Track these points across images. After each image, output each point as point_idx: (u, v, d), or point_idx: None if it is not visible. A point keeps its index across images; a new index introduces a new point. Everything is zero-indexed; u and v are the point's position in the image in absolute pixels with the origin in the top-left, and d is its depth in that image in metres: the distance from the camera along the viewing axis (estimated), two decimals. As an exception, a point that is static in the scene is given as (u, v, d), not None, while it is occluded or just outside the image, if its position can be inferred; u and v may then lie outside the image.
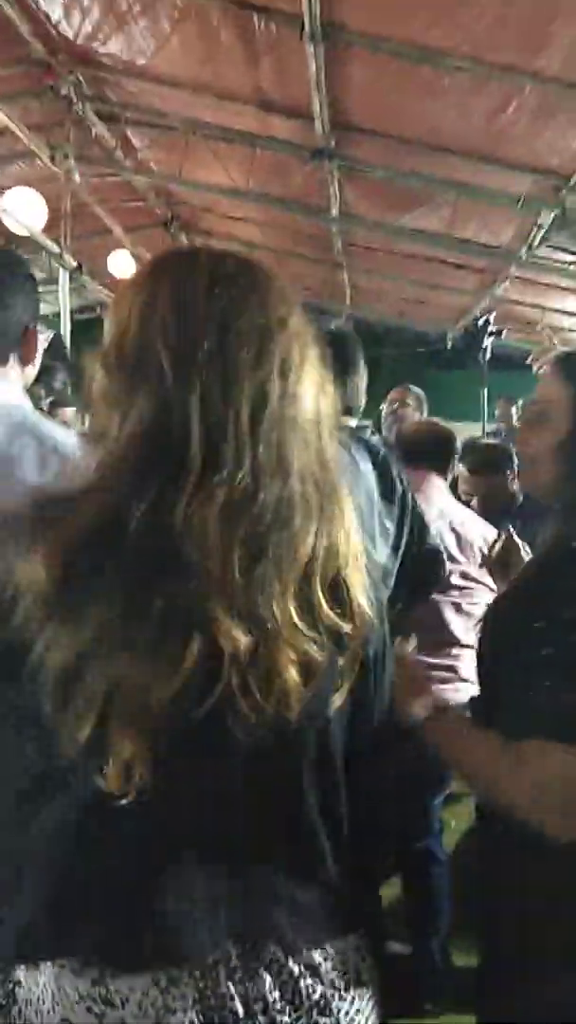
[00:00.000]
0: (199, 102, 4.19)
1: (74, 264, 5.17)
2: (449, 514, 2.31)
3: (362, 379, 1.69)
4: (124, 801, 0.72)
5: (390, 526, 1.68)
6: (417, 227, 5.00)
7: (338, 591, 0.80)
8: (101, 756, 0.71)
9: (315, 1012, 0.80)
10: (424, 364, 9.47)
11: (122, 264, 5.54)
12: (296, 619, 0.76)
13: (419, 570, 1.78)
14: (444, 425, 2.62)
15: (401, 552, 1.71)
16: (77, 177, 4.87)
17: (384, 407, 3.53)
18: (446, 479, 2.49)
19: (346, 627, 0.80)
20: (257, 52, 3.53)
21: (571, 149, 3.58)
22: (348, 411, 1.67)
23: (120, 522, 0.72)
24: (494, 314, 5.11)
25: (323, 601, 0.78)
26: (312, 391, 0.82)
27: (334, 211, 5.14)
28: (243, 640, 0.72)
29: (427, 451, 2.44)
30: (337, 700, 0.81)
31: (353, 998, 0.83)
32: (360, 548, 0.83)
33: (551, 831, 0.97)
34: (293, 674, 0.75)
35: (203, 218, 6.17)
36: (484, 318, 4.97)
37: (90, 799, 0.73)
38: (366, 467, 1.64)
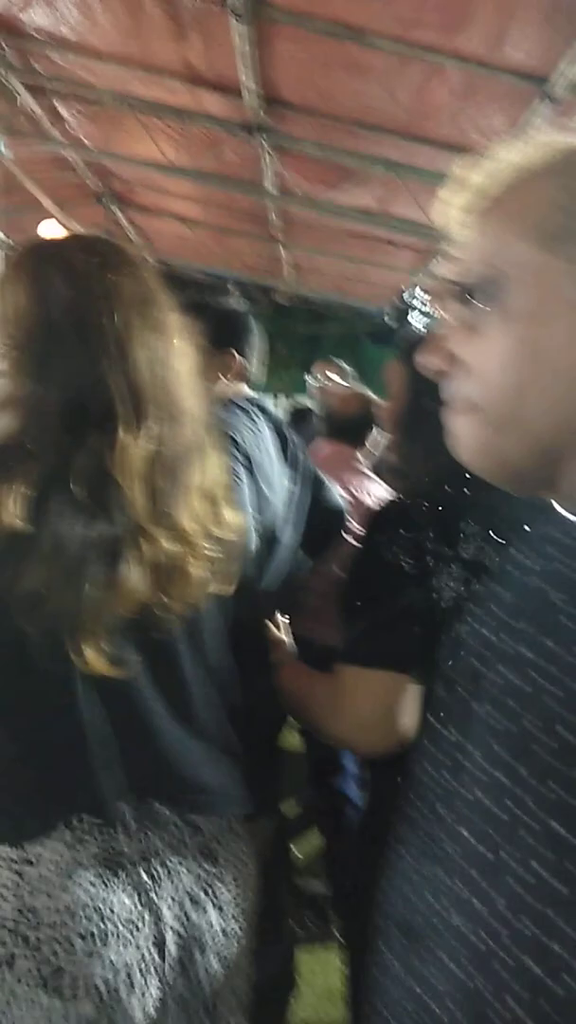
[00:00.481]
0: (128, 76, 4.16)
1: (4, 238, 5.09)
2: (356, 488, 2.43)
3: (257, 353, 1.79)
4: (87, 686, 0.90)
5: (288, 485, 1.78)
6: (350, 204, 5.05)
7: (216, 507, 1.02)
8: (70, 656, 0.88)
9: (200, 858, 0.98)
10: (365, 340, 9.56)
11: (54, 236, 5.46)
12: (197, 529, 0.98)
13: (321, 524, 1.89)
14: (367, 398, 2.71)
15: (300, 508, 1.81)
16: (3, 149, 4.80)
17: (310, 381, 3.62)
18: (363, 448, 2.59)
19: (227, 534, 1.03)
20: (184, 26, 3.53)
21: (492, 127, 3.66)
22: (246, 381, 1.77)
23: (66, 468, 0.87)
24: (419, 290, 5.19)
25: (210, 515, 1.01)
26: (185, 346, 0.99)
27: (268, 187, 5.16)
28: (171, 548, 0.93)
29: (348, 426, 2.54)
30: (229, 588, 1.05)
31: (234, 849, 1.03)
32: (224, 477, 1.06)
33: (363, 747, 1.11)
34: (202, 570, 0.98)
35: (138, 192, 6.11)
36: (409, 294, 5.05)
37: (56, 692, 0.90)
38: (266, 431, 1.74)
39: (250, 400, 1.78)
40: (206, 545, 0.98)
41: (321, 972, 2.10)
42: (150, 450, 0.90)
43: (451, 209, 0.69)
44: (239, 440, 1.61)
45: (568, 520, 0.61)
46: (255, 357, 1.81)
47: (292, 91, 4.01)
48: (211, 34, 3.55)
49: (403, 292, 5.81)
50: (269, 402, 1.87)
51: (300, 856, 2.73)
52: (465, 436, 0.64)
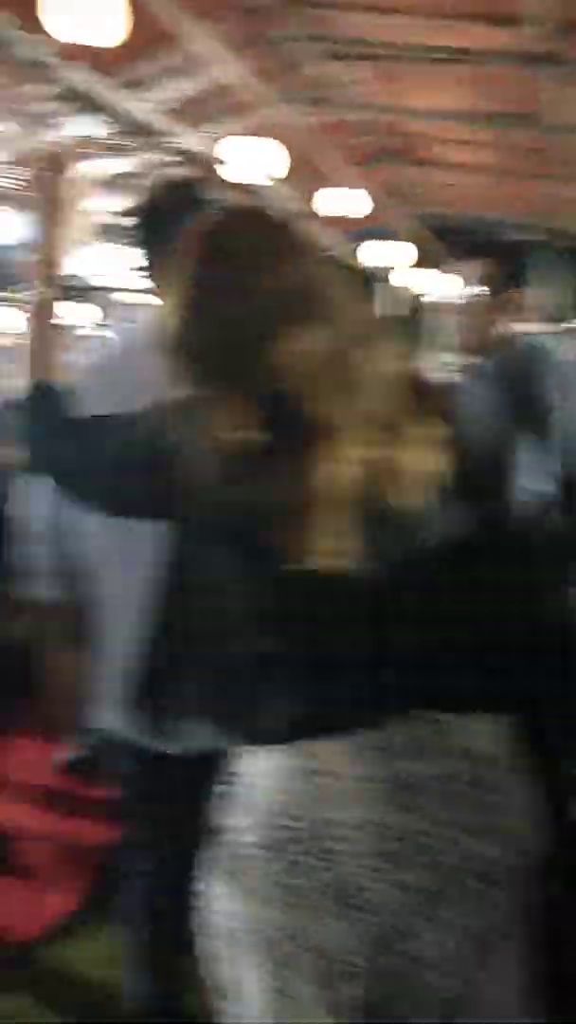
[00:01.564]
0: (416, 25, 4.14)
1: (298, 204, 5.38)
2: None
3: (549, 287, 1.76)
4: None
5: None
6: None
7: (418, 397, 0.99)
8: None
9: (473, 786, 0.95)
10: None
11: (356, 201, 5.64)
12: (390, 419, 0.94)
13: None
14: None
15: None
16: (310, 119, 5.04)
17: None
18: None
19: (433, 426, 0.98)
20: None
21: None
22: (536, 318, 1.78)
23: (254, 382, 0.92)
24: None
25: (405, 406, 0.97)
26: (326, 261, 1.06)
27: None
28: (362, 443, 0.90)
29: None
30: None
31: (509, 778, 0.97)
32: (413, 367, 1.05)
33: None
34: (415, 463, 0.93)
35: (425, 146, 6.06)
36: None
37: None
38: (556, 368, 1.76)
39: (539, 339, 1.78)
40: (410, 434, 0.94)
41: None
42: (304, 352, 0.91)
43: None
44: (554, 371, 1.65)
45: None
46: (544, 292, 1.78)
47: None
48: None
49: None
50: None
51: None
52: None
